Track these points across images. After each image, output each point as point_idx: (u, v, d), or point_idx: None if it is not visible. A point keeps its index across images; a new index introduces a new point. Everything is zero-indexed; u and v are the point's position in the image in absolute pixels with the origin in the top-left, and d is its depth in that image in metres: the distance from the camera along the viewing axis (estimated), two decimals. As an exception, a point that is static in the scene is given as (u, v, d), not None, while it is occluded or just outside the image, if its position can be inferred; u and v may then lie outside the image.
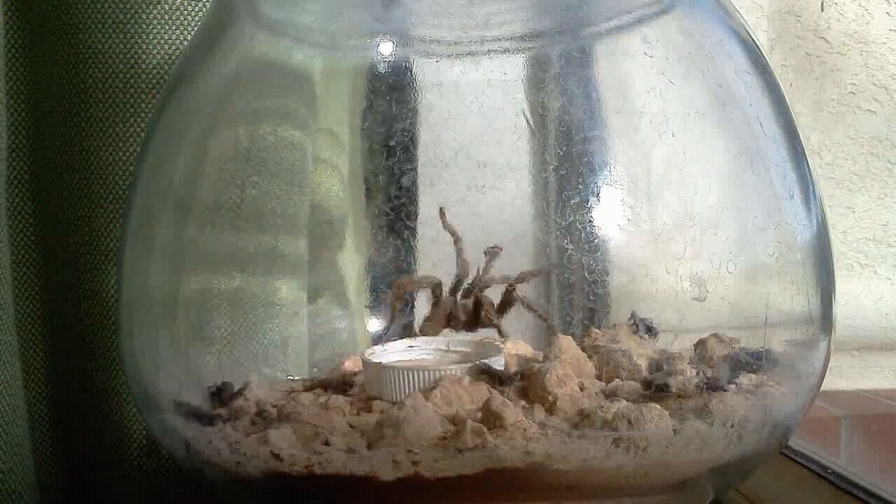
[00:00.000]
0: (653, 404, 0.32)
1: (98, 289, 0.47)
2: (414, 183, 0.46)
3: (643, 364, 0.37)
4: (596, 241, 0.38)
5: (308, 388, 0.40)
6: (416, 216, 0.46)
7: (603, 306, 0.42)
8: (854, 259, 0.74)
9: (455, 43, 0.43)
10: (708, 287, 0.37)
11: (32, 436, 0.46)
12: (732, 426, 0.32)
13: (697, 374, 0.34)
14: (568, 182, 0.41)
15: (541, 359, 0.40)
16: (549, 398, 0.35)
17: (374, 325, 0.47)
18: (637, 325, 0.41)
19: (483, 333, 0.45)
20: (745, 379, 0.35)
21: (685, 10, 0.40)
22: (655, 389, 0.33)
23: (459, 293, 0.43)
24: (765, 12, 0.71)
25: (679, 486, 0.33)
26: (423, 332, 0.43)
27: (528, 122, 0.42)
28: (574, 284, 0.42)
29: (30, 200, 0.48)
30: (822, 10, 0.72)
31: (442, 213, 0.42)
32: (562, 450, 0.30)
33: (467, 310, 0.42)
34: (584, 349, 0.40)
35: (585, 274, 0.40)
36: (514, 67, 0.44)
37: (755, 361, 0.35)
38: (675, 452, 0.31)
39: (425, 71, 0.44)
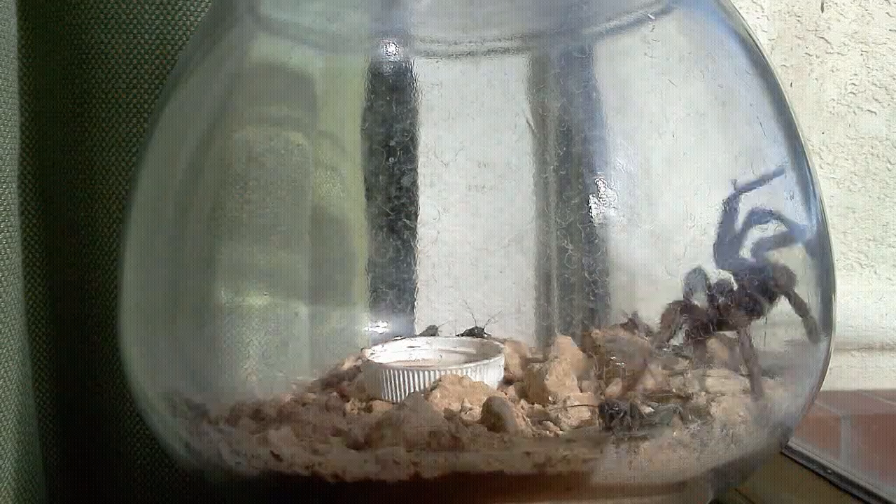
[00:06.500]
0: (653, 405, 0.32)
1: (101, 289, 0.47)
2: (414, 183, 0.46)
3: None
4: (596, 241, 0.38)
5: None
6: (416, 216, 0.46)
7: (603, 306, 0.41)
8: (854, 259, 0.74)
9: (455, 43, 0.43)
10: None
11: (40, 435, 0.46)
12: (731, 427, 0.32)
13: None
14: (568, 182, 0.41)
15: (541, 359, 0.40)
16: (549, 398, 0.35)
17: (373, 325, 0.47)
18: (636, 326, 0.41)
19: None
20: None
21: (685, 10, 0.40)
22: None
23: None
24: (765, 12, 0.71)
25: (679, 486, 0.33)
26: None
27: (528, 122, 0.42)
28: (574, 284, 0.42)
29: (33, 201, 0.48)
30: (822, 10, 0.72)
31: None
32: (562, 450, 0.30)
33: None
34: (584, 349, 0.40)
35: (585, 274, 0.39)
36: (514, 67, 0.44)
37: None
38: (674, 453, 0.31)
39: (425, 71, 0.44)
